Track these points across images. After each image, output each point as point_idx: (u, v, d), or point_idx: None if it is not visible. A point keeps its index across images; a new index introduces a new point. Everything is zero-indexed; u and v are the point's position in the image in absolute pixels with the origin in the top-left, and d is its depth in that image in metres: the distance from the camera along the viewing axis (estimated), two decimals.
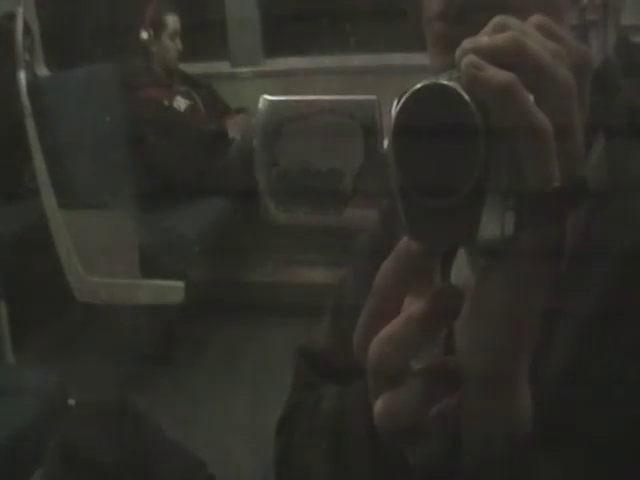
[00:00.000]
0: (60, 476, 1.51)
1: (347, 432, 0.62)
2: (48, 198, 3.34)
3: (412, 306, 0.41)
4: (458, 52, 0.38)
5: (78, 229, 3.37)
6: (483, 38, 0.39)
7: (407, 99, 0.37)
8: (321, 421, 0.69)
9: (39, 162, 3.31)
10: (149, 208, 3.54)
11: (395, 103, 0.38)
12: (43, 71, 3.58)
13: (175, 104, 3.76)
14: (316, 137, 0.42)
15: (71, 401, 2.23)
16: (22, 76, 3.27)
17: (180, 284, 3.27)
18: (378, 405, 0.42)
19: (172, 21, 3.79)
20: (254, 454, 1.63)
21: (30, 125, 3.27)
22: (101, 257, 3.33)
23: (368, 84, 3.17)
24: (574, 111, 0.38)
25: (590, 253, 0.53)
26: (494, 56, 0.37)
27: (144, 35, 3.77)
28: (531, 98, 0.36)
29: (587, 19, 0.58)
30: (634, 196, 0.54)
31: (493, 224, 0.37)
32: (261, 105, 0.44)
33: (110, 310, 3.55)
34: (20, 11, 3.30)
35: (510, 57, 0.37)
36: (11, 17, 3.39)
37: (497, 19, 0.40)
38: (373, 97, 0.41)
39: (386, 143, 0.38)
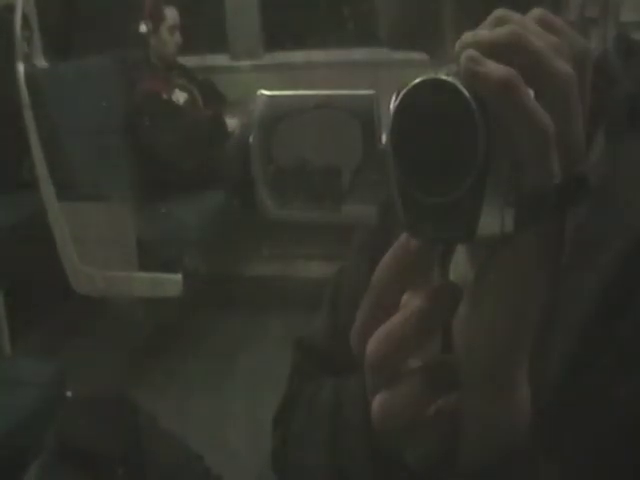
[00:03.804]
0: (56, 467, 1.51)
1: (344, 430, 0.62)
2: (46, 190, 3.34)
3: (410, 302, 0.41)
4: (457, 46, 0.38)
5: (76, 221, 3.36)
6: (483, 32, 0.38)
7: (405, 94, 0.37)
8: (318, 416, 0.69)
9: (37, 154, 3.31)
10: (148, 200, 3.54)
11: (393, 98, 0.37)
12: (42, 63, 3.56)
13: (174, 97, 3.76)
14: (313, 133, 0.42)
15: (68, 392, 2.23)
16: (21, 68, 3.27)
17: (178, 277, 3.27)
18: (376, 403, 0.41)
19: (171, 14, 3.79)
20: (252, 447, 1.63)
21: (28, 116, 3.26)
22: (99, 249, 3.33)
23: (368, 78, 3.17)
24: (575, 106, 0.37)
25: (590, 249, 0.52)
26: (494, 50, 0.37)
27: (143, 28, 3.76)
28: (531, 93, 0.36)
29: (587, 16, 0.58)
30: (635, 192, 0.54)
31: (492, 221, 0.37)
32: (258, 100, 0.43)
33: (108, 301, 3.56)
34: (19, 3, 3.29)
35: (510, 51, 0.37)
36: (10, 9, 3.38)
37: (497, 12, 0.39)
38: (371, 92, 0.41)
39: (384, 138, 0.38)
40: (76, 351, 3.23)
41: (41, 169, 3.33)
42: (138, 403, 1.68)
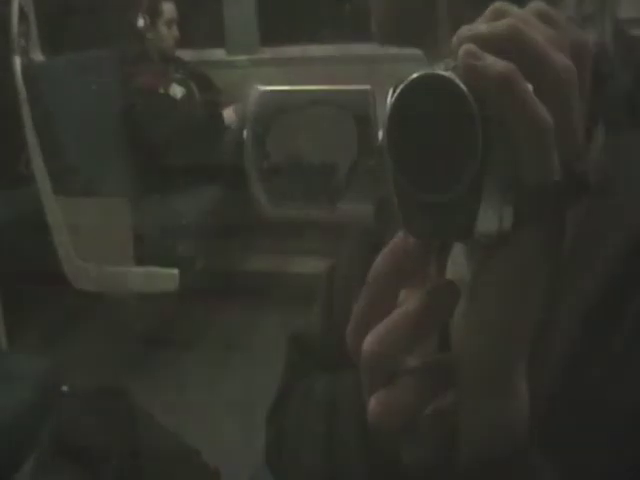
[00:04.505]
0: (52, 461, 1.51)
1: (340, 429, 0.61)
2: (43, 184, 3.33)
3: (408, 300, 0.40)
4: (455, 40, 0.37)
5: (73, 215, 3.35)
6: (481, 25, 0.37)
7: (402, 90, 0.36)
8: (313, 414, 0.68)
9: (34, 148, 3.30)
10: (144, 195, 3.53)
11: (390, 93, 0.37)
12: (39, 57, 3.56)
13: (171, 91, 3.75)
14: (309, 129, 0.41)
15: (64, 387, 2.23)
16: (17, 61, 3.26)
17: (174, 272, 3.26)
18: (372, 403, 0.41)
19: (168, 8, 3.78)
20: (249, 441, 1.63)
21: (25, 111, 3.26)
22: (96, 244, 3.32)
23: (365, 73, 3.16)
24: (574, 102, 0.37)
25: (589, 248, 0.52)
26: (492, 44, 0.36)
27: (140, 22, 3.76)
28: (530, 88, 0.35)
29: (584, 12, 0.57)
30: (635, 190, 0.53)
31: (491, 219, 0.36)
32: (252, 95, 0.43)
33: (106, 295, 3.55)
34: None
35: (509, 45, 0.36)
36: (7, 2, 3.37)
37: (495, 5, 0.39)
38: (367, 87, 0.40)
39: (380, 135, 0.37)
40: (72, 345, 3.23)
41: (38, 163, 3.32)
42: (135, 398, 1.68)
